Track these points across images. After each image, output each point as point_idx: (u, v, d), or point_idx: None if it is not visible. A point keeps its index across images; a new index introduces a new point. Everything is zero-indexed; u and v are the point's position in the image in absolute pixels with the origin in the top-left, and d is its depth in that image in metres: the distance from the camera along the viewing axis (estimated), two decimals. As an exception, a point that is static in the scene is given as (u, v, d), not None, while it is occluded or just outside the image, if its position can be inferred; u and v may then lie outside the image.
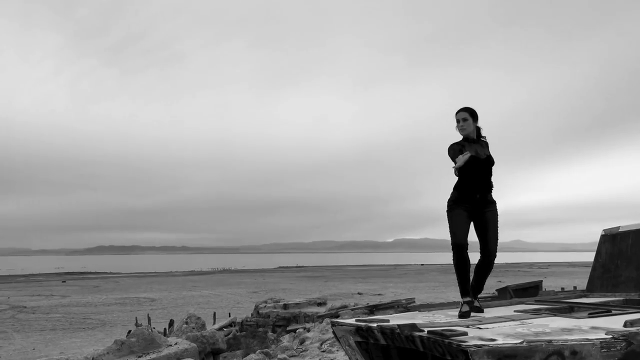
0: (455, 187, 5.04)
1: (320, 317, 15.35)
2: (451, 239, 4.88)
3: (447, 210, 5.01)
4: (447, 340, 3.22)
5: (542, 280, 11.93)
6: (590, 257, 6.53)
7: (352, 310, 16.22)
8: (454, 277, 4.95)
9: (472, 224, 5.02)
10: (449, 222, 4.96)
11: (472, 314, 4.60)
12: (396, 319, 4.24)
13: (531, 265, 76.53)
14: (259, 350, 10.37)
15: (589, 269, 6.48)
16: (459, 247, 4.84)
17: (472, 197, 4.97)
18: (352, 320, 4.24)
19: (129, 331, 14.48)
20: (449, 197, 5.07)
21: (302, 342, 11.49)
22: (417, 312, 4.83)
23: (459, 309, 4.74)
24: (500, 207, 5.07)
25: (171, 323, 15.56)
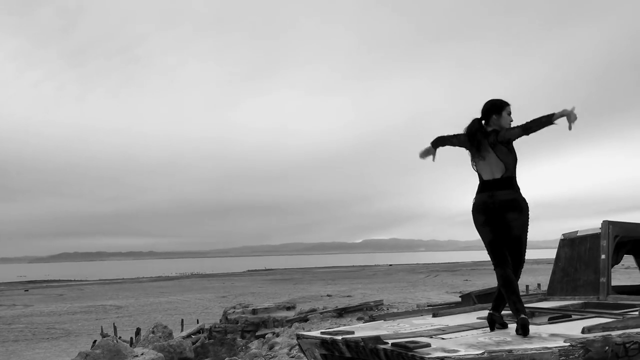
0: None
1: (290, 322, 15.38)
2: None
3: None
4: (410, 353, 3.25)
5: None
6: (552, 254, 6.69)
7: (321, 314, 16.28)
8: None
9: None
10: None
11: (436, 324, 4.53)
12: (361, 331, 4.25)
13: (497, 263, 77.61)
14: (227, 358, 10.33)
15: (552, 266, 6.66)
16: None
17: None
18: (317, 333, 4.23)
19: (94, 341, 14.24)
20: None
21: (271, 347, 11.46)
22: (382, 321, 4.86)
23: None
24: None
25: (138, 332, 15.34)
